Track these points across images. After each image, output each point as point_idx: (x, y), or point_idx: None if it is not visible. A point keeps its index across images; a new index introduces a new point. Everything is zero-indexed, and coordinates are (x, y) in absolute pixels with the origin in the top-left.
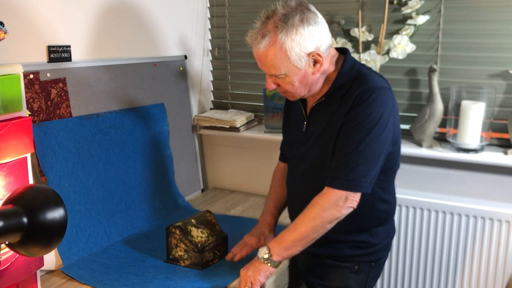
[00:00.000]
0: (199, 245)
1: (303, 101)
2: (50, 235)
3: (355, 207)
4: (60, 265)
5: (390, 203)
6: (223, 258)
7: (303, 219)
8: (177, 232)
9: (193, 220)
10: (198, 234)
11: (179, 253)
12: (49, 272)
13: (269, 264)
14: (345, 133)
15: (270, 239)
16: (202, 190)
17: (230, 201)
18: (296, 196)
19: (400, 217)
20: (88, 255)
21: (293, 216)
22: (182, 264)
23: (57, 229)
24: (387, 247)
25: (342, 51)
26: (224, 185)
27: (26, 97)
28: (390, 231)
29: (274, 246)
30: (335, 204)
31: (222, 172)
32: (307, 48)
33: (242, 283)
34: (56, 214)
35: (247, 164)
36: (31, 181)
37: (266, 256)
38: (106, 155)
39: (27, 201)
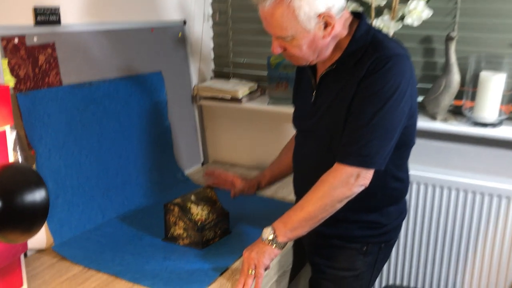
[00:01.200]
0: (199, 224)
1: (313, 68)
2: (30, 219)
3: (367, 185)
4: (51, 243)
5: (403, 181)
6: (225, 237)
7: (311, 198)
8: (176, 209)
9: (192, 197)
10: (198, 212)
11: (178, 232)
12: (39, 251)
13: (274, 246)
14: (358, 104)
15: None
16: (202, 164)
17: None
18: (302, 173)
19: (410, 195)
20: (81, 233)
21: (298, 193)
22: (181, 243)
23: (38, 212)
24: (398, 228)
25: (357, 15)
26: (225, 159)
27: (10, 63)
28: (402, 211)
29: (279, 227)
30: (346, 182)
31: (223, 145)
32: (317, 8)
33: (245, 266)
34: (36, 196)
35: (249, 136)
36: (11, 158)
37: (271, 237)
38: (100, 126)
39: (2, 183)
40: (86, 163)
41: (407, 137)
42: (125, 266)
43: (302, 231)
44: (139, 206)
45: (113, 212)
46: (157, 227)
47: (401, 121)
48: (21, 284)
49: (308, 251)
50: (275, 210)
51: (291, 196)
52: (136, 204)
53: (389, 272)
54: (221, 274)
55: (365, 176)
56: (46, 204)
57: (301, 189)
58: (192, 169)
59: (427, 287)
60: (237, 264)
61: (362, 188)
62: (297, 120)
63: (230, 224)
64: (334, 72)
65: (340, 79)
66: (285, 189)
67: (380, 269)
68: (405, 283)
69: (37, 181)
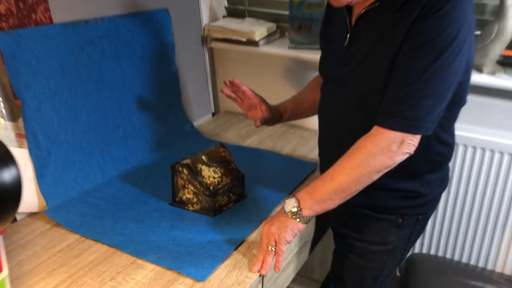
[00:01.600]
0: (211, 188)
1: (348, 6)
2: None
3: (412, 152)
4: (44, 206)
5: (448, 145)
6: (239, 202)
7: (344, 167)
8: (185, 171)
9: (203, 157)
10: (210, 174)
11: (187, 196)
12: (31, 215)
13: (297, 220)
14: (406, 55)
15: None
16: (213, 114)
17: (245, 128)
18: (329, 132)
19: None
20: (78, 195)
21: (324, 156)
22: (191, 208)
23: (8, 196)
24: (438, 198)
25: None
26: (238, 109)
27: None
28: (444, 179)
29: (305, 198)
30: (387, 149)
31: None
32: None
33: (265, 241)
34: (5, 175)
35: (266, 85)
36: None
37: (295, 209)
38: (98, 72)
39: None
40: (83, 114)
41: (459, 95)
42: (127, 236)
43: (332, 204)
44: (143, 162)
45: (114, 169)
46: (163, 187)
47: (456, 77)
48: (0, 270)
49: (332, 220)
50: (294, 170)
51: (312, 155)
52: (140, 160)
53: None
54: (236, 248)
55: (411, 143)
56: (17, 185)
57: (328, 151)
58: (201, 120)
59: (456, 258)
60: (254, 235)
61: (406, 156)
62: (325, 67)
63: (245, 187)
64: (375, 11)
65: (382, 21)
66: (304, 146)
67: (413, 243)
68: (432, 252)
69: (5, 158)
